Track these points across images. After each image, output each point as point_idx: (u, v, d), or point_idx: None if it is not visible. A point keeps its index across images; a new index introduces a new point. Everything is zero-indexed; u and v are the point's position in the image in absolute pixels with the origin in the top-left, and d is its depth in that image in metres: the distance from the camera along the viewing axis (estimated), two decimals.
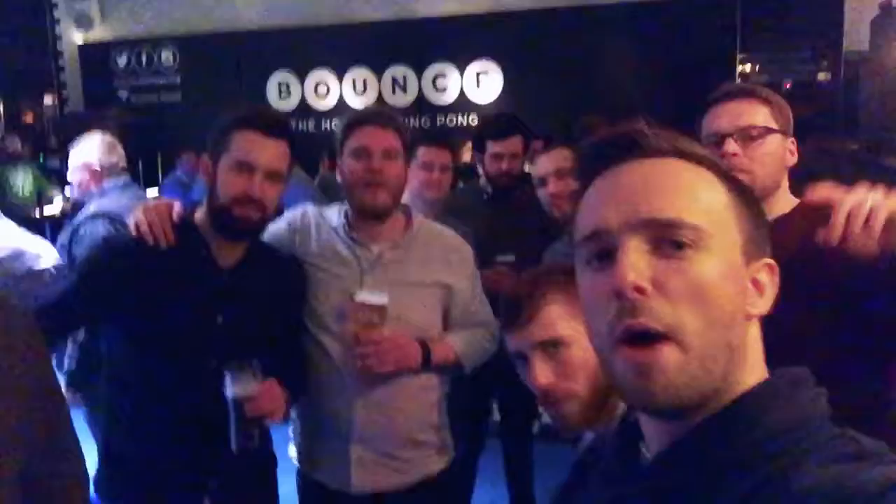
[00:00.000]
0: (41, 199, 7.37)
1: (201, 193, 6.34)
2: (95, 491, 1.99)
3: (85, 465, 1.50)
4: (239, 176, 1.86)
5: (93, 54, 9.64)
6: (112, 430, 2.03)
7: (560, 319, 1.35)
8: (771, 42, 7.55)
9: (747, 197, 0.84)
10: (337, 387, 2.08)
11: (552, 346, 1.34)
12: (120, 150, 3.72)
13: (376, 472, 2.10)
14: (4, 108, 9.34)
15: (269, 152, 1.89)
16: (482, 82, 8.57)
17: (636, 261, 0.77)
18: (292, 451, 2.31)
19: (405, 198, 2.90)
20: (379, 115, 2.14)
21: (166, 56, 9.43)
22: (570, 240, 2.47)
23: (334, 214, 2.19)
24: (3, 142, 7.54)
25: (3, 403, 1.16)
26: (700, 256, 0.77)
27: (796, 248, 1.63)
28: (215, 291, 1.94)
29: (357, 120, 2.12)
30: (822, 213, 1.73)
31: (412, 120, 8.72)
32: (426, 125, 8.72)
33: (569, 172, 2.51)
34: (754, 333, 0.82)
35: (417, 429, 2.14)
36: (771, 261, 0.84)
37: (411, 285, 2.12)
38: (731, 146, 1.70)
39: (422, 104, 8.78)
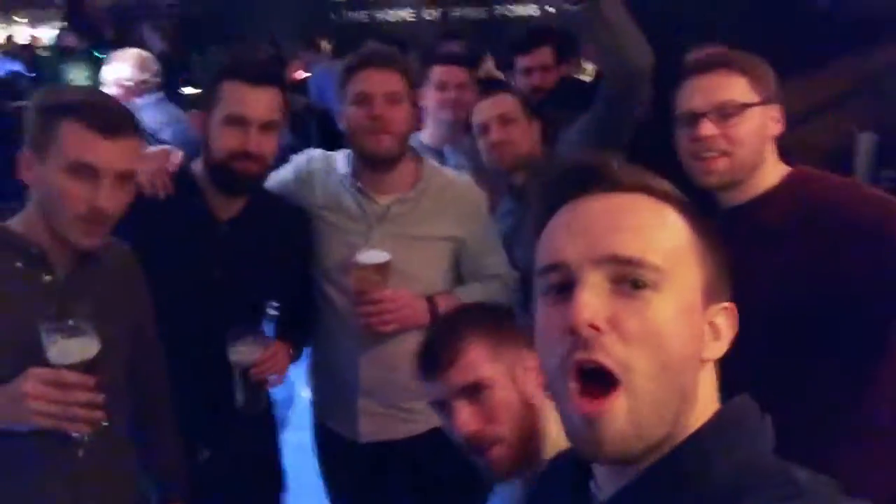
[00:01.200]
0: None
1: None
2: None
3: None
4: (232, 130, 1.80)
5: None
6: None
7: (482, 361, 1.31)
8: None
9: (711, 236, 0.83)
10: (342, 339, 2.07)
11: (476, 391, 1.29)
12: (153, 65, 3.69)
13: (384, 423, 2.10)
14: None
15: (262, 103, 1.82)
16: None
17: (593, 298, 0.76)
18: (306, 392, 2.33)
19: (427, 126, 2.78)
20: (379, 56, 2.03)
21: None
22: (516, 196, 2.27)
23: (341, 162, 2.10)
24: (60, 37, 7.56)
25: (123, 319, 1.60)
26: (658, 297, 0.77)
27: (787, 220, 1.50)
28: (212, 246, 1.91)
29: (356, 63, 2.00)
30: (815, 179, 1.59)
31: (468, 10, 8.36)
32: (483, 15, 8.35)
33: (515, 119, 2.33)
34: (708, 377, 0.82)
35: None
36: (730, 304, 0.83)
37: (420, 240, 2.05)
38: (707, 128, 1.55)
39: None
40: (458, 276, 2.17)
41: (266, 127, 1.83)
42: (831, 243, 1.43)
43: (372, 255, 1.95)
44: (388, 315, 1.96)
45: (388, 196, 2.06)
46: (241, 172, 1.83)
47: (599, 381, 0.75)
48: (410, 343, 2.05)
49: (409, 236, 2.04)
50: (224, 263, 1.91)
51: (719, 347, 0.82)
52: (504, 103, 2.38)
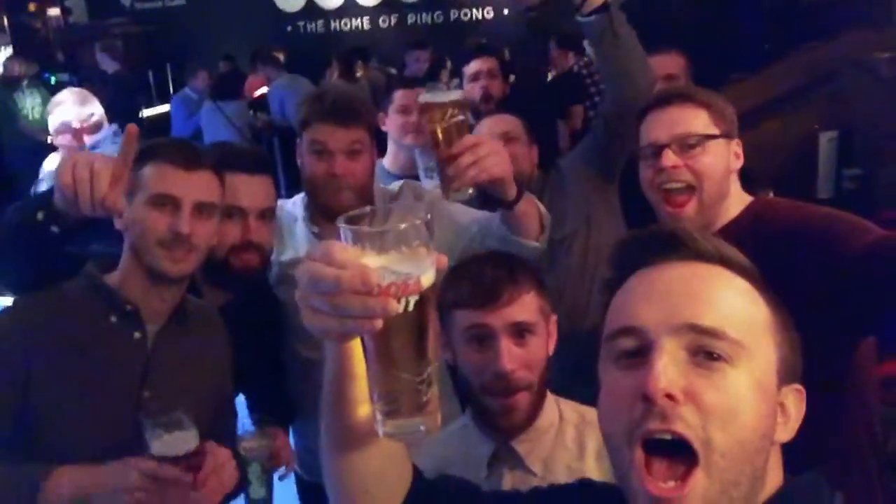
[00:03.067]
0: None
1: (210, 116, 6.08)
2: None
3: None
4: (229, 222, 1.71)
5: None
6: None
7: (534, 308, 1.40)
8: None
9: (785, 315, 0.82)
10: None
11: (525, 331, 1.38)
12: (93, 100, 3.57)
13: None
14: (10, 22, 9.11)
15: (259, 191, 1.77)
16: None
17: (670, 366, 0.74)
18: None
19: (389, 151, 2.73)
20: (340, 111, 1.89)
21: None
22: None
23: (298, 207, 2.01)
24: (6, 67, 7.36)
25: (206, 379, 1.62)
26: (736, 372, 0.75)
27: (744, 250, 1.49)
28: None
29: (316, 118, 1.89)
30: (772, 207, 1.60)
31: (425, 15, 8.35)
32: (439, 20, 8.34)
33: (517, 139, 2.27)
34: (776, 458, 0.80)
35: None
36: (800, 386, 0.82)
37: None
38: (670, 158, 1.55)
39: None
40: None
41: (263, 215, 1.77)
42: (785, 267, 1.42)
43: (439, 95, 1.58)
44: (490, 159, 1.53)
45: None
46: (243, 266, 1.74)
47: (667, 454, 0.74)
48: None
49: None
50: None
51: (789, 430, 0.80)
52: (508, 122, 2.33)
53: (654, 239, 0.85)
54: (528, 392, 1.37)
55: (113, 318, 1.51)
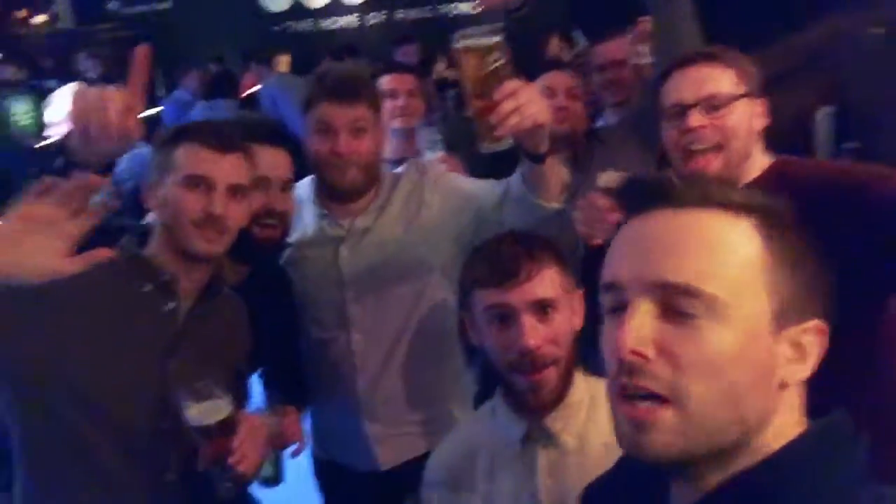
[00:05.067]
0: (41, 127, 7.24)
1: (202, 115, 6.05)
2: None
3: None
4: (254, 192, 1.70)
5: None
6: None
7: (556, 284, 1.39)
8: None
9: (793, 249, 0.77)
10: (343, 374, 1.98)
11: (547, 307, 1.36)
12: None
13: (401, 445, 2.00)
14: None
15: (278, 161, 1.79)
16: None
17: (641, 324, 0.74)
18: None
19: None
20: (343, 88, 1.87)
21: None
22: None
23: (306, 189, 2.00)
24: None
25: (225, 360, 1.63)
26: (714, 326, 0.72)
27: None
28: None
29: (319, 96, 1.87)
30: (795, 164, 1.60)
31: (412, 11, 8.35)
32: (427, 16, 8.34)
33: (578, 98, 2.40)
34: (790, 399, 0.77)
35: (435, 398, 2.04)
36: (820, 322, 0.77)
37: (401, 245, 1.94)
38: (696, 119, 1.55)
39: None
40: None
41: (285, 187, 1.80)
42: (810, 222, 1.42)
43: (474, 39, 1.48)
44: (531, 107, 1.46)
45: (352, 217, 1.96)
46: (265, 237, 1.77)
47: (646, 399, 0.74)
48: (403, 357, 2.01)
49: (384, 244, 1.92)
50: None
51: (803, 369, 0.76)
52: (573, 79, 2.44)
53: (639, 188, 0.86)
54: (556, 367, 1.36)
55: (147, 288, 1.53)
